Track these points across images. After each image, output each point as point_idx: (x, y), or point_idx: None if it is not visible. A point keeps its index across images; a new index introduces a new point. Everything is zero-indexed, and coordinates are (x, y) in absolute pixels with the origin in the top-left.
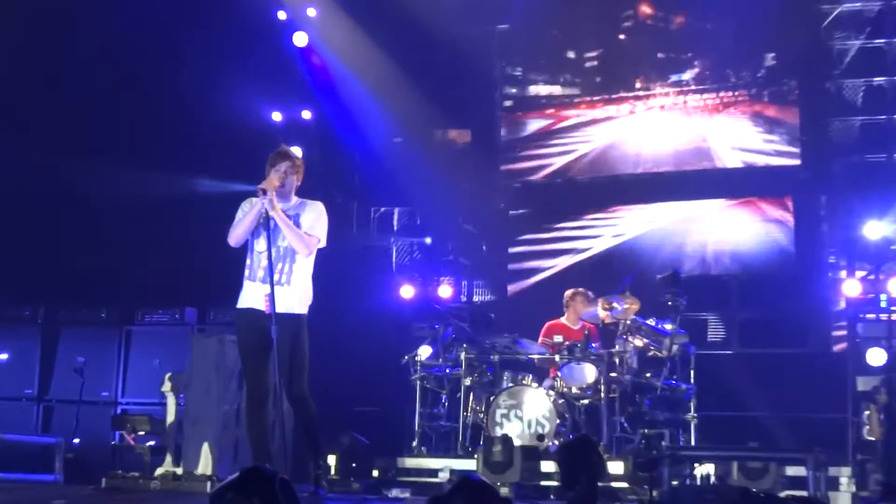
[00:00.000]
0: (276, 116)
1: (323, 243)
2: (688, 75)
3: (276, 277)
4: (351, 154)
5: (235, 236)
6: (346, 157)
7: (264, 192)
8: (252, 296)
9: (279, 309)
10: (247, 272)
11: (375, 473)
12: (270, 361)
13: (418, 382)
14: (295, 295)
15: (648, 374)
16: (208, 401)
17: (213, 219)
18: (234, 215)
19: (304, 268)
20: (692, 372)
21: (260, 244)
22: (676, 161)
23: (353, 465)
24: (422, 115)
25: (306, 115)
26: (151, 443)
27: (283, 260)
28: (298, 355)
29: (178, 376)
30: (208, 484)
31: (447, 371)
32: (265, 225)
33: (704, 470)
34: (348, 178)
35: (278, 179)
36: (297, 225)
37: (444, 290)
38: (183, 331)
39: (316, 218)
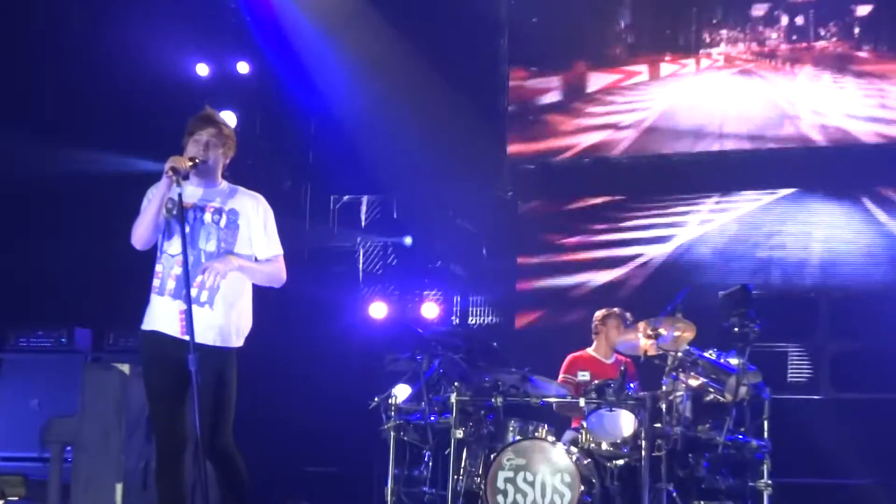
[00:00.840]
0: (202, 70)
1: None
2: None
3: (194, 294)
4: (303, 122)
5: (138, 235)
6: (296, 127)
7: (176, 171)
8: (161, 315)
9: (199, 339)
10: (155, 283)
11: None
12: (188, 403)
13: (392, 434)
14: (221, 321)
15: (706, 426)
16: (106, 456)
17: (114, 209)
18: (141, 205)
19: (237, 284)
20: (766, 423)
21: (172, 246)
22: (749, 135)
23: None
24: (400, 69)
25: (242, 68)
26: None
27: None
28: (223, 398)
29: (65, 422)
30: None
31: (432, 419)
32: (178, 219)
33: None
34: (299, 155)
35: (199, 154)
36: (234, 225)
37: (430, 310)
38: (72, 359)
39: (265, 219)
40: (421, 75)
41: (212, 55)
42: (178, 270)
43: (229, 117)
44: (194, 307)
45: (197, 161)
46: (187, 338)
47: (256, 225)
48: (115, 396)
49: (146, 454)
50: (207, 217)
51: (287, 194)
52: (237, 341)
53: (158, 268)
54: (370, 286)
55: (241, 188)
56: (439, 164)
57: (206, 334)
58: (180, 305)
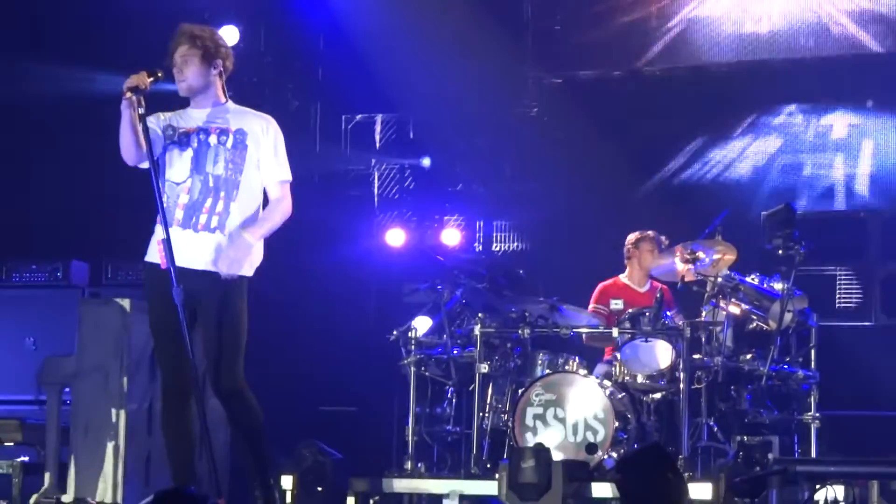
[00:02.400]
0: None
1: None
2: None
3: (203, 219)
4: (311, 36)
5: (124, 154)
6: (303, 41)
7: (135, 89)
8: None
9: (207, 266)
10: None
11: (351, 501)
12: (195, 339)
13: (412, 370)
14: (232, 247)
15: (749, 356)
16: (107, 398)
17: (109, 133)
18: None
19: (250, 206)
20: (813, 353)
21: (175, 173)
22: (789, 43)
23: (319, 489)
24: None
25: None
26: (24, 458)
27: (213, 194)
28: (231, 332)
29: (62, 362)
30: None
31: (455, 353)
32: (180, 141)
33: (831, 493)
34: (307, 72)
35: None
36: (242, 146)
37: (451, 236)
38: (68, 295)
39: (275, 141)
40: None
41: None
42: (185, 199)
43: (231, 32)
44: (204, 234)
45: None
46: (194, 267)
47: (266, 147)
48: (114, 334)
49: (151, 395)
50: (213, 139)
51: (295, 114)
52: (243, 268)
53: (164, 197)
54: (386, 212)
55: (249, 109)
56: (459, 79)
57: (211, 259)
58: (190, 235)
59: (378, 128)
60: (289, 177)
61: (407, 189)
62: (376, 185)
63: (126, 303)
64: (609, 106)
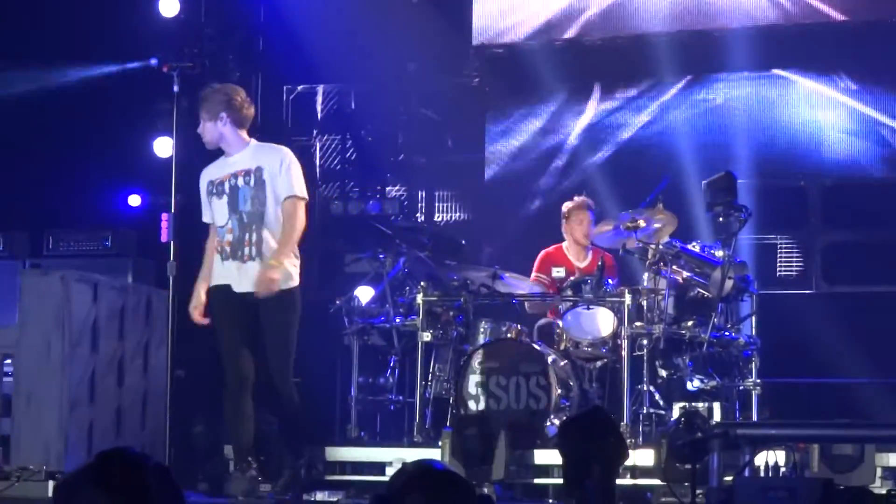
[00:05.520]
0: None
1: (306, 195)
2: None
3: (246, 251)
4: (252, 5)
5: None
6: (244, 11)
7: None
8: (220, 273)
9: (249, 287)
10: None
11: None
12: (250, 347)
13: (355, 339)
14: (262, 272)
15: (690, 323)
16: (49, 369)
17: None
18: (91, 81)
19: (278, 229)
20: (753, 319)
21: (219, 217)
22: (731, 11)
23: (262, 458)
24: None
25: None
26: None
27: (248, 228)
28: (276, 340)
29: (3, 333)
30: (50, 485)
31: (397, 322)
32: (217, 191)
33: (771, 458)
34: (247, 42)
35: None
36: (261, 182)
37: (392, 205)
38: (8, 266)
39: (287, 171)
40: None
41: None
42: (229, 237)
43: (171, 4)
44: (249, 262)
45: None
46: (244, 290)
47: (282, 175)
48: (55, 304)
49: (92, 365)
50: (240, 181)
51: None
52: (286, 284)
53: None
54: (328, 182)
55: (267, 144)
56: (400, 49)
57: (255, 284)
58: (238, 265)
59: (319, 99)
60: (294, 192)
61: (348, 160)
62: (318, 157)
63: (67, 274)
64: (549, 75)
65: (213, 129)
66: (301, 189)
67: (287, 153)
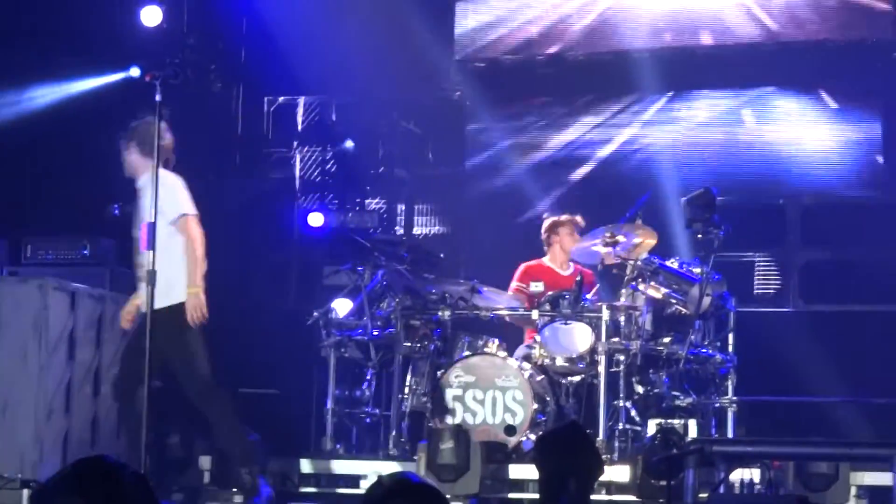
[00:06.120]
0: None
1: (192, 211)
2: None
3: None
4: (234, 17)
5: None
6: (226, 22)
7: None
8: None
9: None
10: None
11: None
12: None
13: (332, 352)
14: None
15: (667, 340)
16: (25, 377)
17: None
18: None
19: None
20: (731, 336)
21: None
22: (713, 29)
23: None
24: None
25: None
26: None
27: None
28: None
29: None
30: (25, 493)
31: (375, 335)
32: None
33: (747, 475)
34: (230, 54)
35: None
36: (141, 202)
37: (371, 218)
38: None
39: (163, 198)
40: None
41: None
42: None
43: (153, 13)
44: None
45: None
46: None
47: (163, 204)
48: (33, 313)
49: (69, 373)
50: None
51: (217, 97)
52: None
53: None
54: (308, 195)
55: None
56: (382, 62)
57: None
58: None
59: (300, 110)
60: (182, 211)
61: (328, 172)
62: (298, 168)
63: (44, 282)
64: (531, 90)
65: (131, 164)
66: (180, 206)
67: (169, 175)
